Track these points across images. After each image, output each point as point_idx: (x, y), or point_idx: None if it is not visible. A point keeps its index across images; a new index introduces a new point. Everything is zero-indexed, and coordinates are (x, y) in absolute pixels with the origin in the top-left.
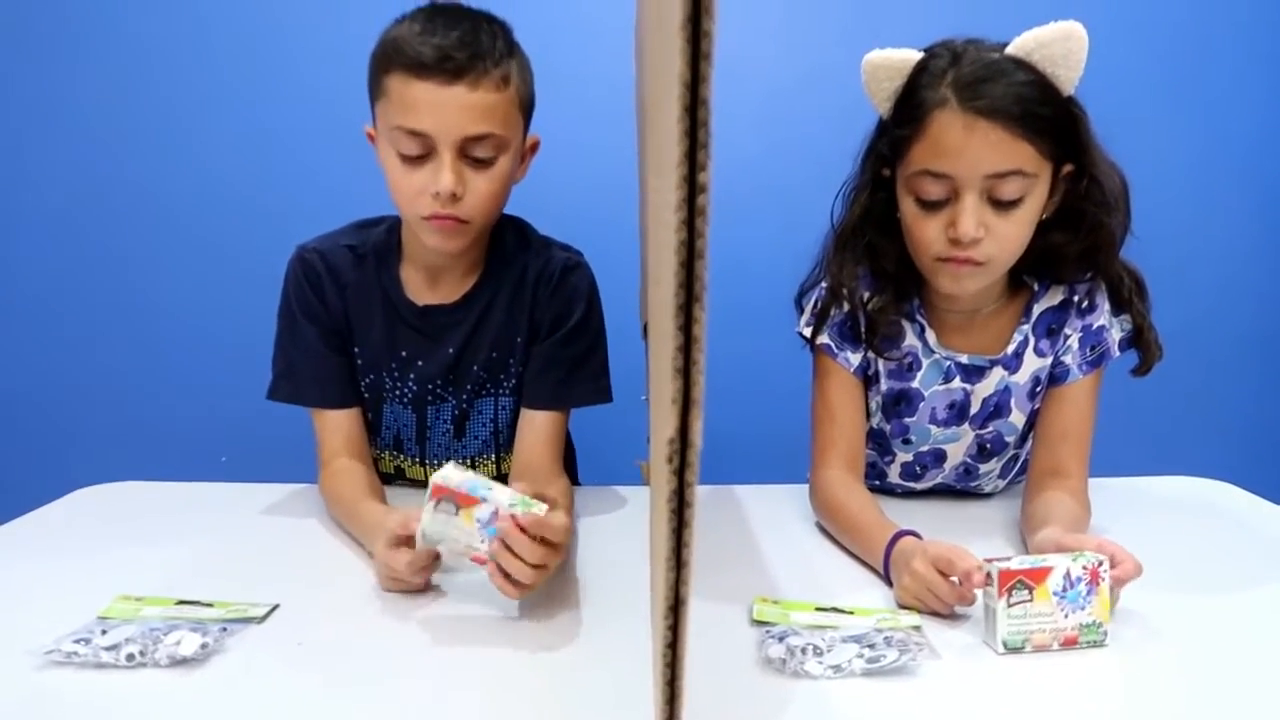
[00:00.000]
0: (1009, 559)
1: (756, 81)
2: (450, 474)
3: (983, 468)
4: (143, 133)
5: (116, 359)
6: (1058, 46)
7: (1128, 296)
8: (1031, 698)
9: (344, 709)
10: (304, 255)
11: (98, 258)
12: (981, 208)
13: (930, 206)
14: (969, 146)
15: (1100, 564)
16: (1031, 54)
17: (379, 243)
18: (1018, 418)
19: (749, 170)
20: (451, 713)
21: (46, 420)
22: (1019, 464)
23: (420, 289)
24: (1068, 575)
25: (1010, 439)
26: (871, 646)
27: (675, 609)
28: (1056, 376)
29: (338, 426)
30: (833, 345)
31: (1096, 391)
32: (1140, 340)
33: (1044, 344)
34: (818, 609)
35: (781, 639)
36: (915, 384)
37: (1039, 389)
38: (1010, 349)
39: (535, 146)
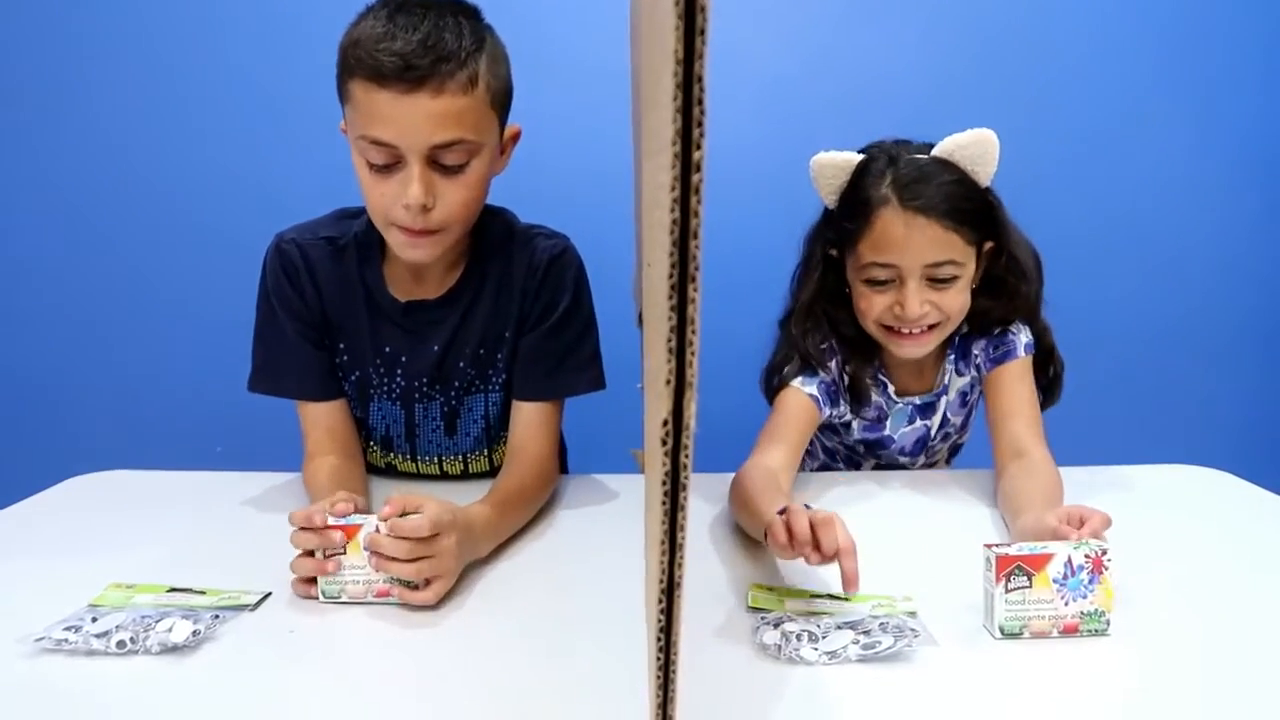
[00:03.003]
0: (1008, 545)
1: (754, 68)
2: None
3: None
4: (139, 124)
5: (112, 348)
6: (974, 149)
7: (1050, 344)
8: (1028, 684)
9: (335, 697)
10: (281, 246)
11: (94, 248)
12: (923, 289)
13: (877, 287)
14: (909, 240)
15: (1103, 552)
16: (953, 155)
17: (360, 235)
18: (955, 419)
19: (747, 157)
20: (443, 701)
21: (41, 408)
22: (960, 447)
23: (403, 285)
24: (1069, 563)
25: (951, 431)
26: (867, 633)
27: (669, 592)
28: (977, 379)
29: (318, 420)
30: (819, 399)
31: (1028, 377)
32: (1055, 387)
33: (961, 364)
34: (813, 596)
35: (776, 625)
36: (887, 431)
37: (966, 398)
38: (945, 380)
39: (516, 136)
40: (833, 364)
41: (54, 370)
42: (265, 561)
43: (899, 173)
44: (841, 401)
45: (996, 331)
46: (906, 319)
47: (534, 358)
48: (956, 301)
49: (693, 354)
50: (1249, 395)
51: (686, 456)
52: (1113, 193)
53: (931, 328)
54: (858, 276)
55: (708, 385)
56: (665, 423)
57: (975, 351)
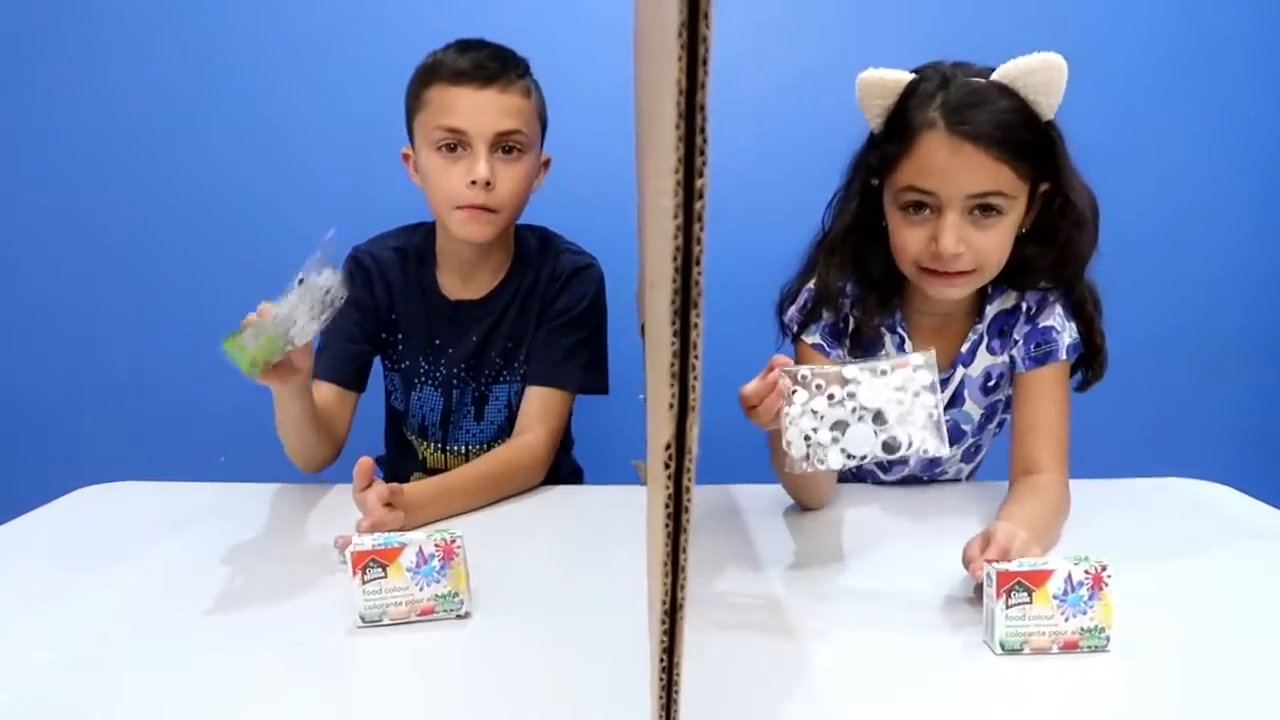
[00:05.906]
0: (1009, 561)
1: (753, 82)
2: (361, 541)
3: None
4: (141, 131)
5: (115, 358)
6: (1039, 75)
7: (1090, 314)
8: (1028, 700)
9: (341, 708)
10: (356, 255)
11: (97, 257)
12: (962, 224)
13: (914, 215)
14: (953, 168)
15: (1103, 568)
16: (1015, 81)
17: (419, 246)
18: (973, 408)
19: (746, 172)
20: (448, 711)
21: (46, 420)
22: (980, 451)
23: (453, 286)
24: (1069, 578)
25: (967, 427)
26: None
27: (671, 614)
28: (1010, 373)
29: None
30: (824, 345)
31: (1061, 386)
32: (1096, 359)
33: (995, 343)
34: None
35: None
36: None
37: (991, 383)
38: (965, 347)
39: (548, 163)
40: (844, 303)
41: (58, 381)
42: (269, 568)
43: (949, 95)
44: (844, 342)
45: (1041, 324)
46: (941, 254)
47: (543, 347)
48: (997, 245)
49: (695, 378)
50: (1248, 408)
51: (689, 480)
52: (1109, 204)
53: (965, 275)
54: (895, 203)
55: (710, 397)
56: (668, 446)
57: (1016, 337)
